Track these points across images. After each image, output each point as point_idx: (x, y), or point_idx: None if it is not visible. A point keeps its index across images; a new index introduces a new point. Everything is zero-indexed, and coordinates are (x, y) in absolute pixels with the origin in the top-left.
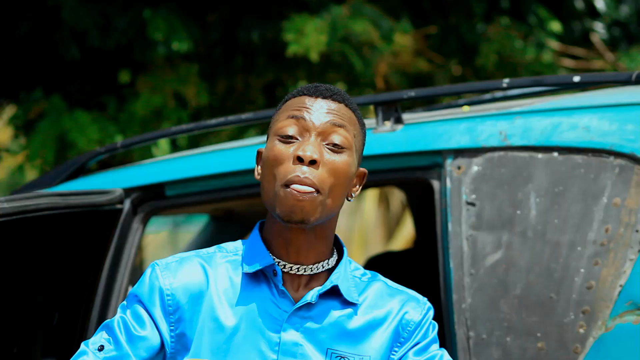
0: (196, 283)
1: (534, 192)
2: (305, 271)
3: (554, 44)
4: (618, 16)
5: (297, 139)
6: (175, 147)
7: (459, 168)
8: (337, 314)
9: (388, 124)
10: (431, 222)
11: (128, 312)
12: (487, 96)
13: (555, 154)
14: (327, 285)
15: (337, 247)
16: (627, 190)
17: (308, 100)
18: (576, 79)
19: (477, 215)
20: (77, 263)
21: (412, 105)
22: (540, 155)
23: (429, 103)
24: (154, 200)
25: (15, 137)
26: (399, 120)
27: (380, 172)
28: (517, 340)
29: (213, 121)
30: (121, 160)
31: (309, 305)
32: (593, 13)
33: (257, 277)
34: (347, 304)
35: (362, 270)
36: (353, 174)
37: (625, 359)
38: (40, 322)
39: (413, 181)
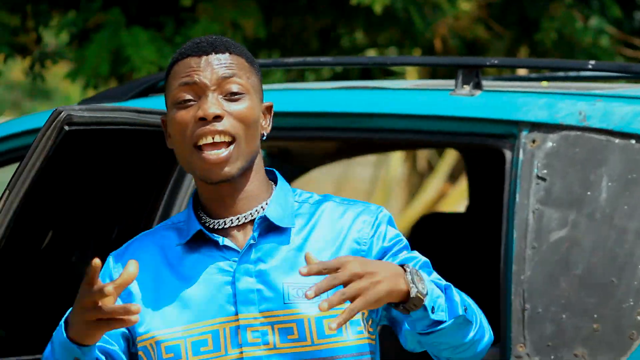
0: (143, 262)
1: (606, 175)
2: (246, 219)
3: (612, 31)
4: None
5: (195, 101)
6: None
7: (533, 141)
8: (285, 247)
9: (467, 88)
10: (487, 190)
11: None
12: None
13: (633, 141)
14: (258, 220)
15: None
16: None
17: (193, 62)
18: None
19: (546, 190)
20: (142, 181)
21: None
22: (617, 141)
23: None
24: None
25: (69, 44)
26: (478, 86)
27: (453, 134)
28: (572, 319)
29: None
30: None
31: (255, 248)
32: None
33: (201, 240)
34: (293, 235)
35: (311, 195)
36: (258, 115)
37: None
38: (99, 234)
39: (485, 148)
